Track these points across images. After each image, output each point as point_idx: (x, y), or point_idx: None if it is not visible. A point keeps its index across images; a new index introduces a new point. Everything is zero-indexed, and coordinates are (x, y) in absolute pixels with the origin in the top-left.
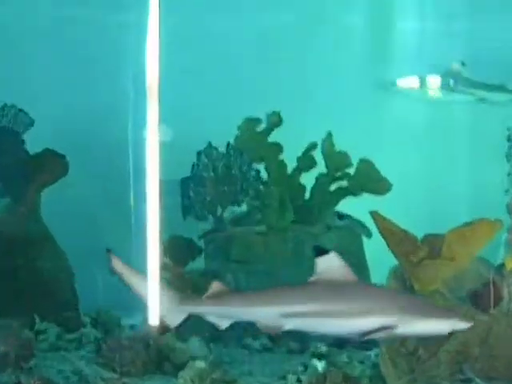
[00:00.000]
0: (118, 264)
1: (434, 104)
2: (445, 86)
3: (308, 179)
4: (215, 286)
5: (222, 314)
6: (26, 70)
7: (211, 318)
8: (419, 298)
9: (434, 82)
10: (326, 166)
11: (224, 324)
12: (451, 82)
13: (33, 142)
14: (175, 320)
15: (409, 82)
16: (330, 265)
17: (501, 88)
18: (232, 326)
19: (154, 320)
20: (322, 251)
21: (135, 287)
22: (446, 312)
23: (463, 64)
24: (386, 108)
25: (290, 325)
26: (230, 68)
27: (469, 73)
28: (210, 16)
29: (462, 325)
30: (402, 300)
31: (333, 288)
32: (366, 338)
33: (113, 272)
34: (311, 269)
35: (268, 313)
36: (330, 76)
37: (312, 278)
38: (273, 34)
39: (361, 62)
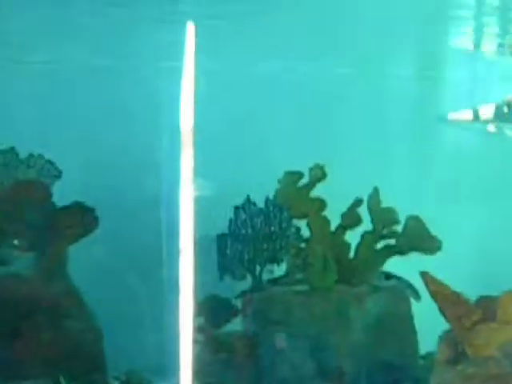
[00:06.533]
0: None
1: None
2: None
3: (353, 237)
4: None
5: None
6: (54, 119)
7: None
8: None
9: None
10: (372, 223)
11: None
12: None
13: (59, 195)
14: None
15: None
16: None
17: None
18: None
19: (187, 382)
20: None
21: None
22: None
23: None
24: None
25: None
26: (271, 118)
27: None
28: (251, 62)
29: None
30: None
31: None
32: None
33: None
34: (355, 332)
35: None
36: (375, 129)
37: None
38: (315, 83)
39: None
